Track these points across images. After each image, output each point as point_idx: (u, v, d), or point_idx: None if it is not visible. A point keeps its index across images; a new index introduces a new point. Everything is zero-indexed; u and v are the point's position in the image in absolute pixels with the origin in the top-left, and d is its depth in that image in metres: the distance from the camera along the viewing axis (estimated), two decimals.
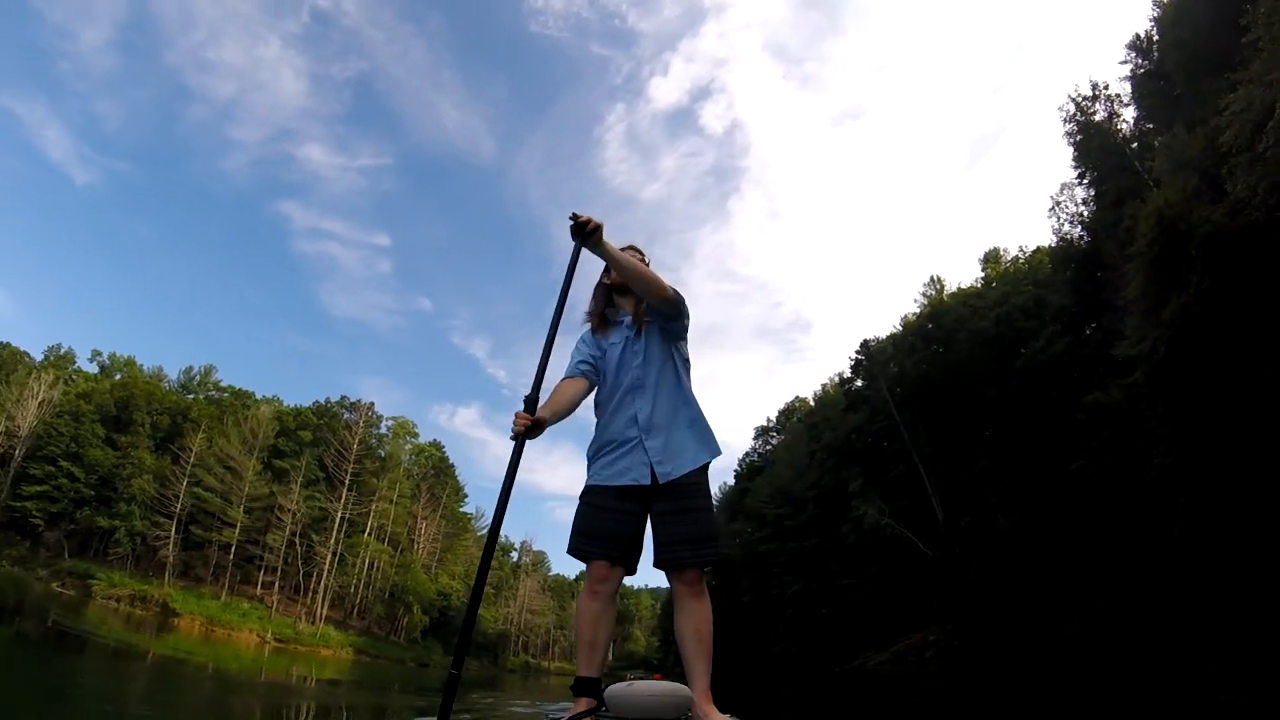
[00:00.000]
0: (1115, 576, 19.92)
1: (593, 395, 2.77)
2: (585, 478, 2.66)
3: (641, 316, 2.76)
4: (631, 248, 2.85)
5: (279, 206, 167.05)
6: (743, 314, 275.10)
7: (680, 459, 2.55)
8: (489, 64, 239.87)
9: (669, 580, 2.55)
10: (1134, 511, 19.23)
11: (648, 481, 2.51)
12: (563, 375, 2.69)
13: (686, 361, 2.83)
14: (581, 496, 2.63)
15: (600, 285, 2.91)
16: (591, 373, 2.72)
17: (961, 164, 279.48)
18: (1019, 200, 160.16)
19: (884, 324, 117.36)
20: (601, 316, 2.85)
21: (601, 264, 2.81)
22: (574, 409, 2.67)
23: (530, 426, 2.33)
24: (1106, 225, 26.83)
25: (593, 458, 2.68)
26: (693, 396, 2.76)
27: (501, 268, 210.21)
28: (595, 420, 2.76)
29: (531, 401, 2.38)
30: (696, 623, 2.45)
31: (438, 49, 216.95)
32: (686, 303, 2.75)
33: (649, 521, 2.55)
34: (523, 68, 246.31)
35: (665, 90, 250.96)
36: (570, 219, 2.50)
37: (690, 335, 2.82)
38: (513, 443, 2.33)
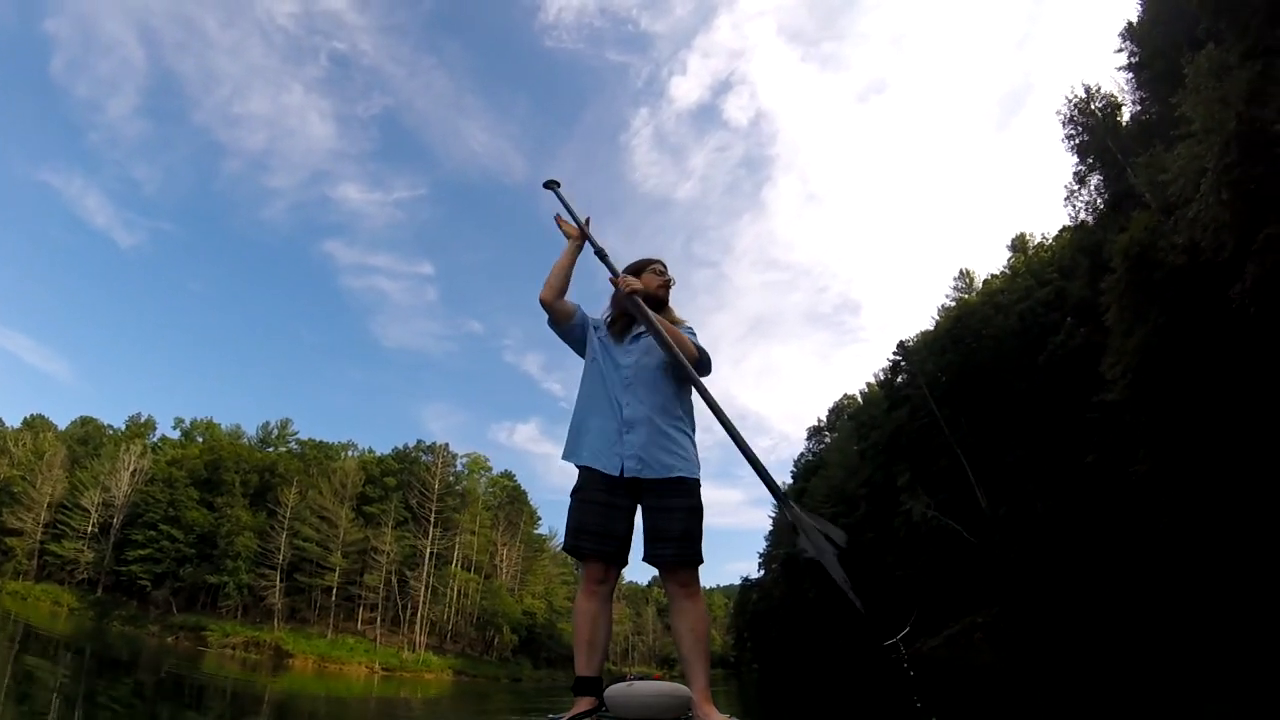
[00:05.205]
0: (1125, 566, 21.13)
1: (578, 387, 2.79)
2: (571, 475, 2.68)
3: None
4: (652, 264, 2.93)
5: (323, 247, 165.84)
6: (790, 301, 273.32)
7: (656, 465, 2.51)
8: (510, 84, 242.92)
9: (662, 580, 2.52)
10: (1132, 507, 20.57)
11: (616, 473, 2.52)
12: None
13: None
14: (573, 495, 2.63)
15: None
16: (579, 322, 2.88)
17: (990, 126, 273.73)
18: (1050, 162, 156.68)
19: (930, 301, 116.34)
20: (625, 326, 2.81)
21: (620, 266, 2.89)
22: (566, 290, 2.88)
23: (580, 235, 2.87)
24: (1109, 225, 28.07)
25: (571, 445, 2.69)
26: (687, 409, 2.71)
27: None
28: (575, 409, 2.76)
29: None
30: (692, 622, 2.44)
31: (458, 76, 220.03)
32: (710, 363, 2.79)
33: (640, 517, 2.56)
34: (543, 83, 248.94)
35: (686, 88, 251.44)
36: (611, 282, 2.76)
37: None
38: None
